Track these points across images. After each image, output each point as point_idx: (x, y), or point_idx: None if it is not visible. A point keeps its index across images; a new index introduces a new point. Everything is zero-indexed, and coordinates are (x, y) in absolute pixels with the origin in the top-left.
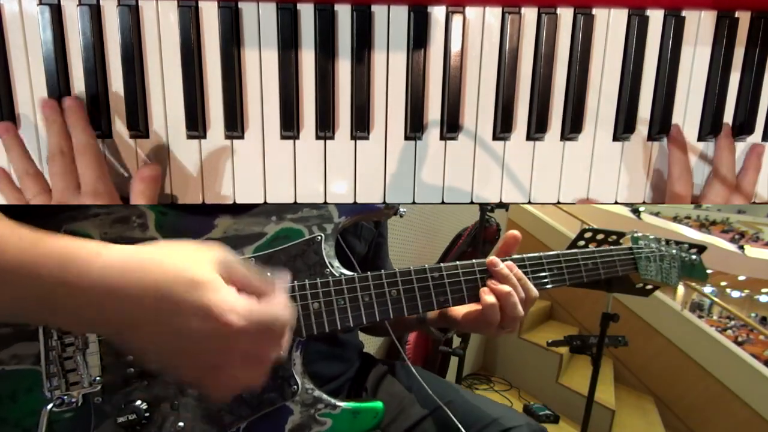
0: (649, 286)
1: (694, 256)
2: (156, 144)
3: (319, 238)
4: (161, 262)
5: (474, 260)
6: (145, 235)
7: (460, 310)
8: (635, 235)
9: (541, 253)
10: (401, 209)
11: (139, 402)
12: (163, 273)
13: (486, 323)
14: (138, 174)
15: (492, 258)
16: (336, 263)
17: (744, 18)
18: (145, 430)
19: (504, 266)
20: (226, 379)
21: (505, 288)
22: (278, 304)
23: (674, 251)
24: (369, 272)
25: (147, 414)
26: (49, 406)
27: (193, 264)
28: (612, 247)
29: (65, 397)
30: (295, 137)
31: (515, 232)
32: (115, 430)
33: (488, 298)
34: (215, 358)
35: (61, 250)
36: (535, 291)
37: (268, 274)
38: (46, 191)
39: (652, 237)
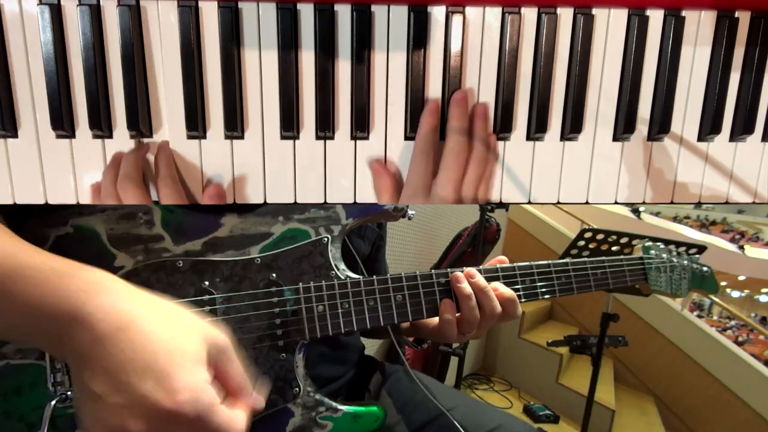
0: None
1: (705, 268)
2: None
3: (326, 239)
4: (156, 339)
5: (481, 267)
6: (152, 232)
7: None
8: (646, 244)
9: (550, 261)
10: (410, 211)
11: None
12: (152, 354)
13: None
14: (205, 192)
15: (469, 270)
16: (342, 266)
17: (744, 18)
18: None
19: (466, 285)
20: None
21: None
22: (233, 417)
23: (685, 262)
24: (374, 276)
25: None
26: (53, 402)
27: (179, 366)
28: (622, 256)
29: (69, 392)
30: (295, 137)
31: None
32: None
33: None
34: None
35: (78, 308)
36: (498, 308)
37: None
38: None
39: (663, 247)
